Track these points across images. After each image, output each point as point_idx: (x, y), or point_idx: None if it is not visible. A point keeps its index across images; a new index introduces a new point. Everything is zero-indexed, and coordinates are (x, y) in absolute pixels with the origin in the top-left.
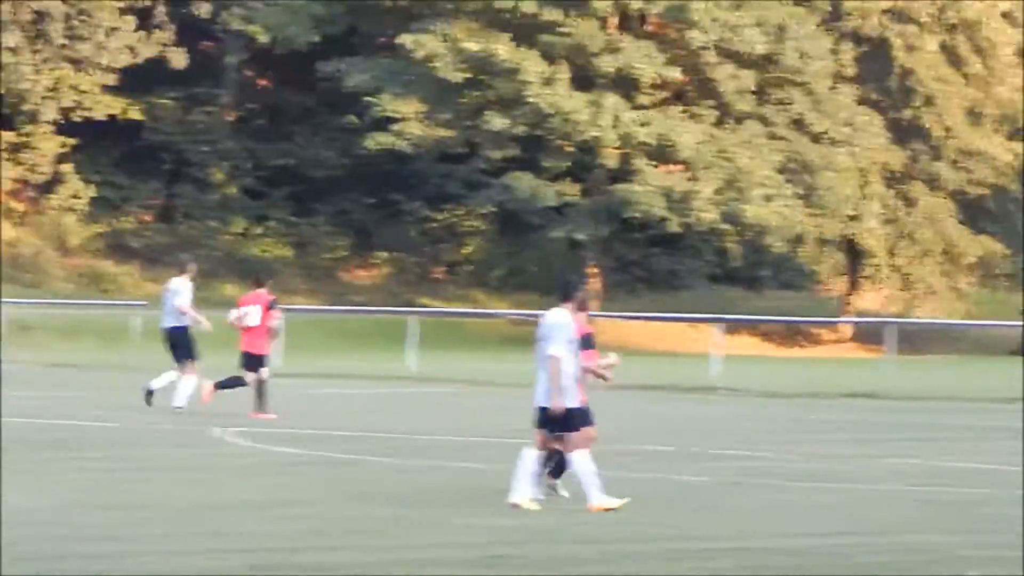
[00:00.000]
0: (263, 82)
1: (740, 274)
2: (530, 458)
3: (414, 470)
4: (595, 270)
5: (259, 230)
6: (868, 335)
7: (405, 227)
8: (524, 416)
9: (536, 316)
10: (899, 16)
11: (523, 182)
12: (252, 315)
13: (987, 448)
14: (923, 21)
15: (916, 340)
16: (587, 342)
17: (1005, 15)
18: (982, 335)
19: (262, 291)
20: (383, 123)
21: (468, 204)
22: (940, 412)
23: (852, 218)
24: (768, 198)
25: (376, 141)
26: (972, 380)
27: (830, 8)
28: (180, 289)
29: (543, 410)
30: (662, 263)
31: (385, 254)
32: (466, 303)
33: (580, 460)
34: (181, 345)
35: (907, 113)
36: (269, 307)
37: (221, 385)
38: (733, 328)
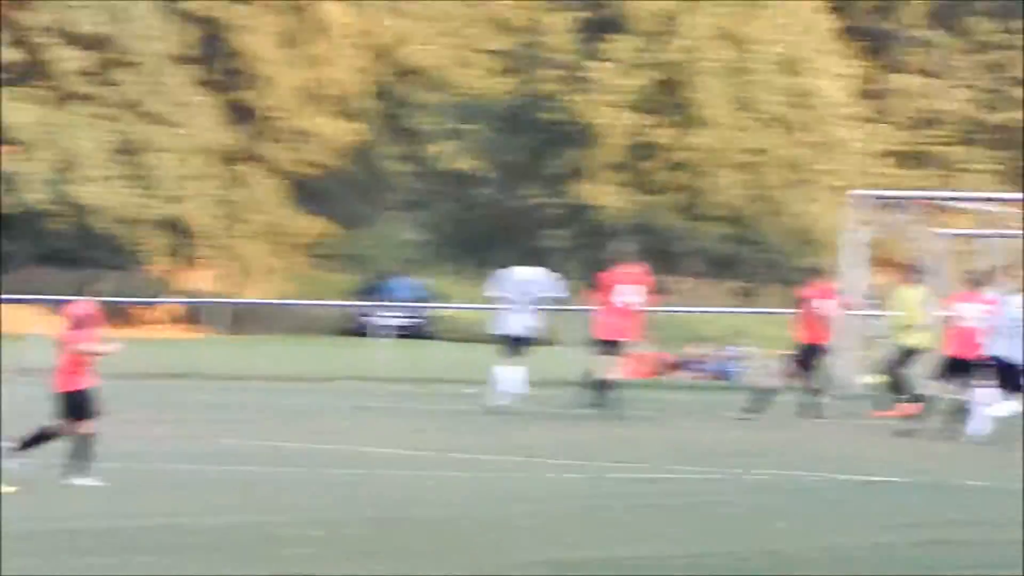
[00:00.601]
0: None
1: (69, 255)
2: None
3: None
4: None
5: None
6: (197, 315)
7: None
8: None
9: None
10: None
11: None
12: None
13: (312, 427)
14: (258, 2)
15: (245, 320)
16: (82, 323)
17: None
18: (310, 315)
19: None
20: None
21: None
22: (266, 392)
23: (182, 199)
24: (100, 179)
25: None
26: (299, 360)
27: None
28: None
29: None
30: None
31: None
32: None
33: None
34: None
35: (241, 94)
36: None
37: None
38: (59, 309)
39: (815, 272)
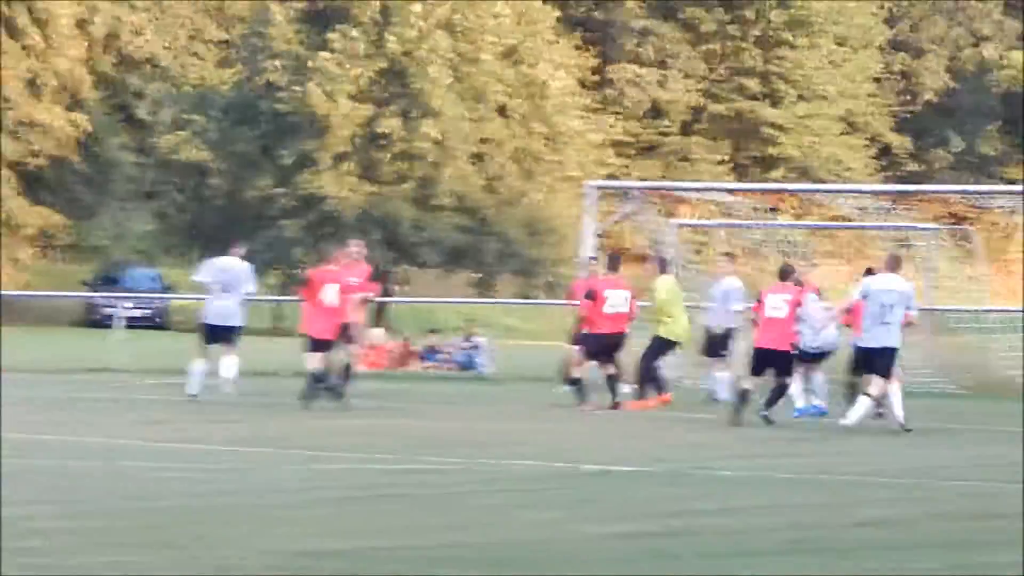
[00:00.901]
0: None
1: None
2: None
3: None
4: None
5: None
6: None
7: None
8: None
9: None
10: None
11: None
12: None
13: (53, 418)
14: None
15: None
16: None
17: None
18: (45, 306)
19: None
20: None
21: None
22: (6, 384)
23: None
24: None
25: None
26: (36, 351)
27: None
28: None
29: None
30: None
31: None
32: None
33: None
34: None
35: None
36: None
37: None
38: None
39: (613, 263)
